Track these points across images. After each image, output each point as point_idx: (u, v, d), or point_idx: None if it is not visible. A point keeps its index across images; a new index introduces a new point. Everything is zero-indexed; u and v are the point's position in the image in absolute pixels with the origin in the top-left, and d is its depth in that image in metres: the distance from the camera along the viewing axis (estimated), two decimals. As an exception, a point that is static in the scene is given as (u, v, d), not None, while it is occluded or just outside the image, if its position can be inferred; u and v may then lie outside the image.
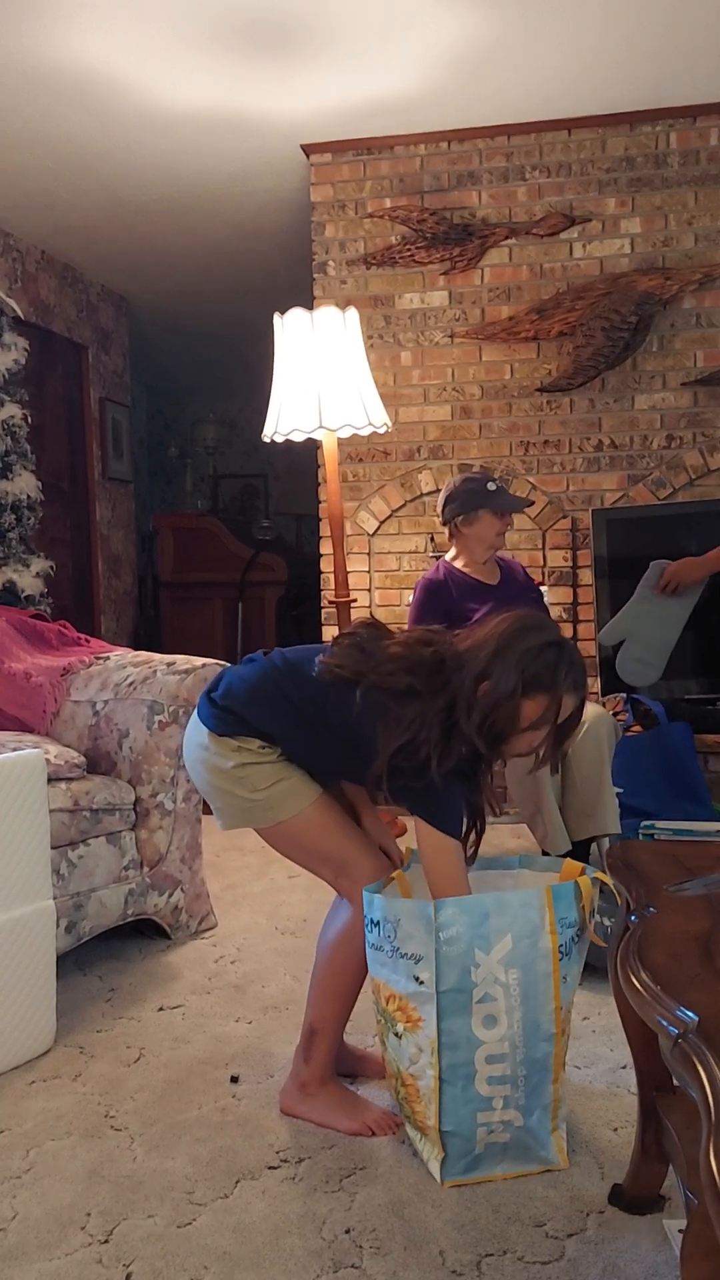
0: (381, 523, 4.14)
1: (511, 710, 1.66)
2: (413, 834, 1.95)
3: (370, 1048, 2.07)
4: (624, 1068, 1.98)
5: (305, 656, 1.84)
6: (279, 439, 3.52)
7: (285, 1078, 1.93)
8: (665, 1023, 1.07)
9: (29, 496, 3.68)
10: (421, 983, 1.62)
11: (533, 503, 3.11)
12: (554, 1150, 1.67)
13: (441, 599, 3.00)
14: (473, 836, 1.80)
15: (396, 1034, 1.67)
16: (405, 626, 2.99)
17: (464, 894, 1.69)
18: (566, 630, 3.86)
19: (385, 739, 1.68)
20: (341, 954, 1.85)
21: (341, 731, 1.77)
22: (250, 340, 6.13)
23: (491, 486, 3.00)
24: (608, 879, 1.77)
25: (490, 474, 3.15)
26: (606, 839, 2.63)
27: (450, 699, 1.68)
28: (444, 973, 1.60)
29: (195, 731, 1.88)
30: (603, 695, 3.27)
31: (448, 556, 3.11)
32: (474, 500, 2.97)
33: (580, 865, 1.82)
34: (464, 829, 1.75)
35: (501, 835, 3.60)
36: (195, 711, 1.90)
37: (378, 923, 1.70)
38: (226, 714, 1.82)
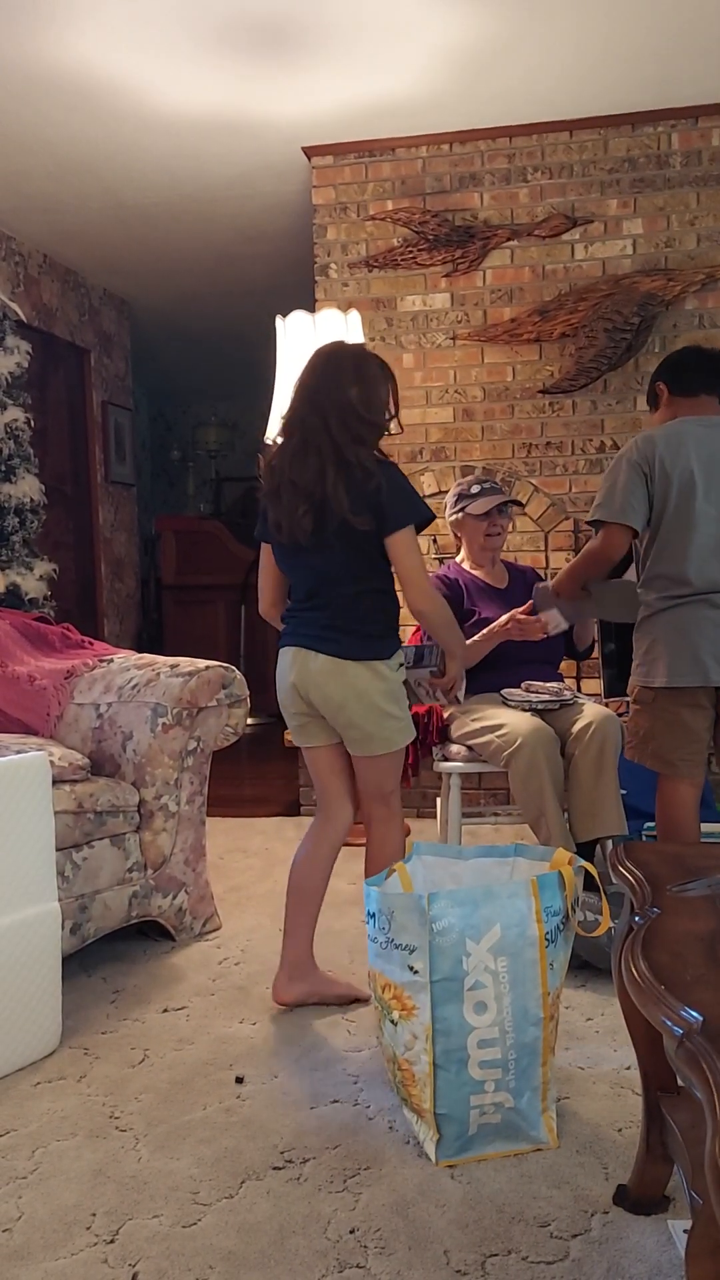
0: (384, 524, 4.14)
1: (383, 398, 2.19)
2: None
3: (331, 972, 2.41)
4: (628, 1068, 1.98)
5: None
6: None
7: (289, 1078, 1.96)
8: (670, 1023, 1.07)
9: (32, 500, 3.69)
10: (415, 972, 1.67)
11: (512, 501, 3.09)
12: (544, 1130, 1.72)
13: (453, 589, 3.01)
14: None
15: (392, 1021, 1.73)
16: (414, 626, 3.00)
17: (430, 584, 2.21)
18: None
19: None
20: (395, 843, 2.30)
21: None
22: (252, 343, 6.14)
23: (475, 489, 3.02)
24: (592, 868, 1.80)
25: (485, 477, 3.15)
26: (610, 840, 2.63)
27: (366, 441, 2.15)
28: (437, 962, 1.66)
29: (351, 670, 2.16)
30: (606, 696, 3.27)
31: (457, 559, 3.17)
32: (457, 503, 3.06)
33: (568, 855, 1.85)
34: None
35: (505, 837, 3.60)
36: (331, 659, 2.17)
37: (374, 915, 1.77)
38: (374, 639, 2.19)
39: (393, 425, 2.27)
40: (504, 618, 2.86)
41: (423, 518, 2.17)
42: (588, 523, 2.50)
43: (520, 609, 2.85)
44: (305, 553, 2.18)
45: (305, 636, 2.22)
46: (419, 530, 2.18)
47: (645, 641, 2.44)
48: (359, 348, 2.29)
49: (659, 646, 2.38)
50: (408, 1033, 1.70)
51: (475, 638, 2.85)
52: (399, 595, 2.24)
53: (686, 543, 2.34)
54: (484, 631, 2.87)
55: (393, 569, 2.20)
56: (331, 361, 2.20)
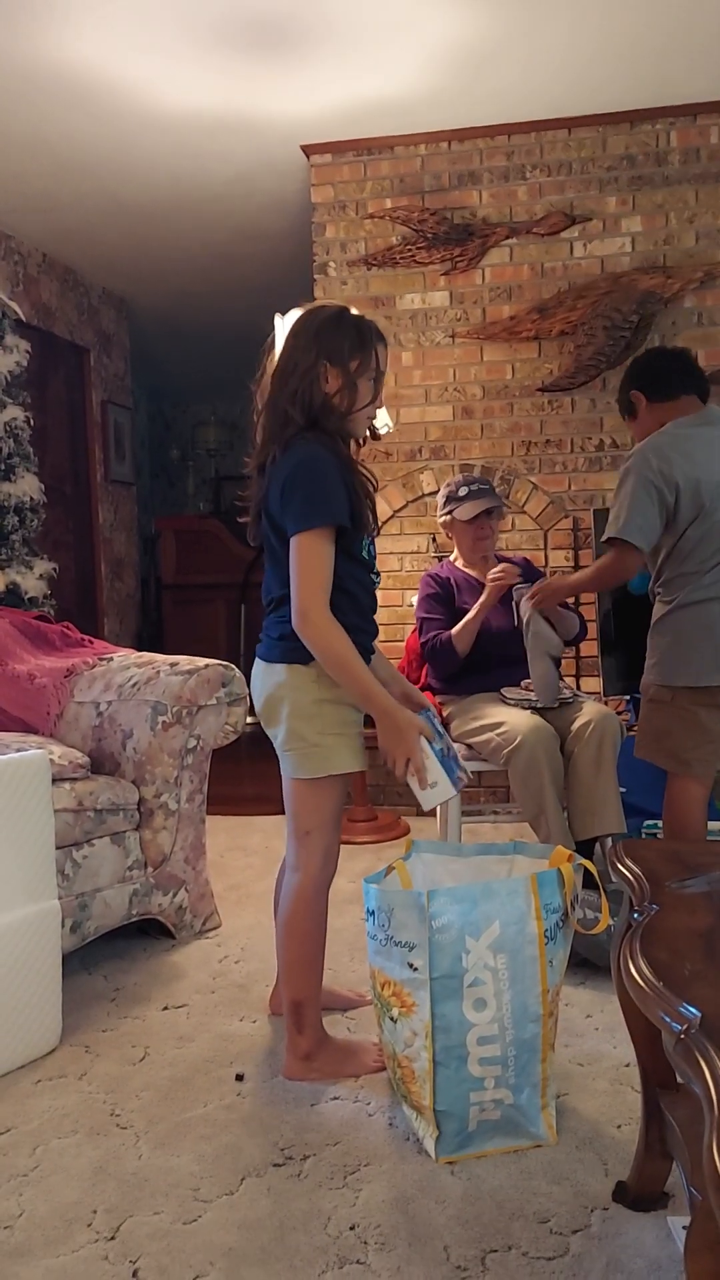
0: (383, 524, 4.15)
1: (349, 377, 1.87)
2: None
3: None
4: (627, 1065, 1.98)
5: None
6: (281, 440, 3.52)
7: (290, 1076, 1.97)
8: (668, 1019, 1.07)
9: (32, 499, 3.70)
10: (415, 969, 1.67)
11: (497, 504, 3.09)
12: (544, 1127, 1.73)
13: (444, 588, 3.02)
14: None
15: (392, 1019, 1.74)
16: (411, 627, 3.01)
17: (322, 600, 1.80)
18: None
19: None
20: (298, 923, 1.96)
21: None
22: (252, 341, 6.10)
23: (463, 492, 3.03)
24: (591, 865, 1.80)
25: (474, 478, 3.15)
26: (610, 838, 2.63)
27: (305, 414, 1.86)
28: (436, 959, 1.66)
29: (266, 677, 1.93)
30: (605, 695, 3.27)
31: (450, 557, 3.18)
32: (446, 504, 3.09)
33: (567, 852, 1.85)
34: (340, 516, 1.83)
35: (505, 835, 3.60)
36: (260, 662, 1.96)
37: (373, 912, 1.76)
38: (295, 639, 1.86)
39: (364, 416, 1.93)
40: (483, 599, 2.91)
41: (314, 524, 1.80)
42: (603, 541, 2.45)
43: (495, 589, 2.89)
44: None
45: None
46: (337, 529, 1.84)
47: (665, 639, 2.42)
48: (338, 308, 1.95)
49: (681, 645, 2.38)
50: (407, 1029, 1.70)
51: (463, 621, 2.92)
52: (354, 597, 1.93)
53: (713, 542, 2.34)
54: (469, 615, 2.93)
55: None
56: (299, 322, 1.93)
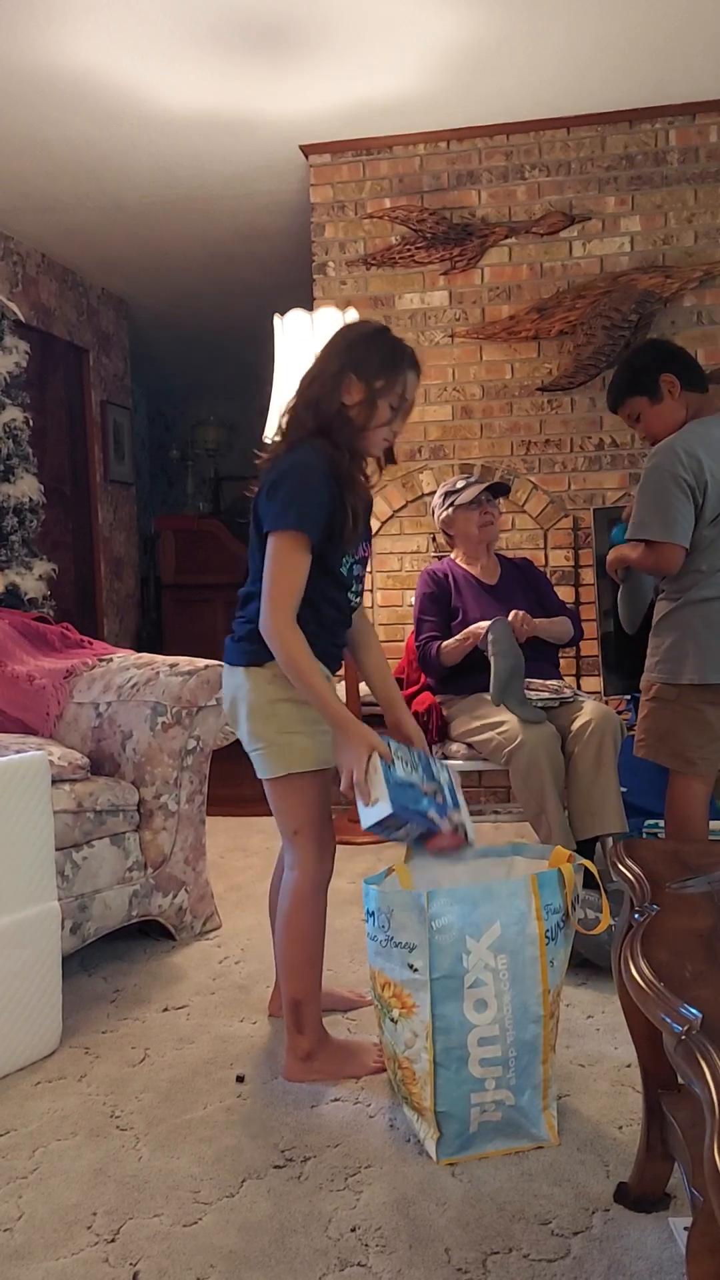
0: (383, 523, 4.15)
1: (370, 394, 1.84)
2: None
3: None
4: (628, 1066, 1.98)
5: None
6: (280, 440, 3.52)
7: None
8: (669, 1020, 1.07)
9: (31, 499, 3.69)
10: (415, 970, 1.67)
11: (499, 483, 3.10)
12: (545, 1128, 1.72)
13: (441, 586, 3.02)
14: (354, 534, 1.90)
15: (392, 1019, 1.73)
16: (410, 625, 3.01)
17: (286, 607, 1.79)
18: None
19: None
20: (296, 922, 1.95)
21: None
22: (251, 342, 6.13)
23: (460, 484, 3.04)
24: (591, 865, 1.80)
25: (469, 475, 3.16)
26: (610, 838, 2.63)
27: (316, 420, 1.86)
28: (437, 960, 1.65)
29: (229, 679, 1.95)
30: (606, 694, 3.27)
31: (451, 555, 3.18)
32: (446, 500, 3.10)
33: (566, 852, 1.85)
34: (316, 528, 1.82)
35: (506, 834, 3.60)
36: (224, 664, 1.98)
37: (373, 913, 1.76)
38: (248, 642, 1.89)
39: (380, 435, 1.90)
40: (471, 630, 2.88)
41: (286, 525, 1.79)
42: (633, 539, 2.42)
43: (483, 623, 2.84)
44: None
45: None
46: (312, 537, 1.81)
47: (669, 638, 2.41)
48: (380, 326, 1.95)
49: (687, 643, 2.37)
50: (408, 1031, 1.70)
51: (456, 639, 2.91)
52: (318, 611, 1.91)
53: None
54: (459, 635, 2.91)
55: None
56: (338, 332, 1.95)
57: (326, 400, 1.86)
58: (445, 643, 2.91)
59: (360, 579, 1.99)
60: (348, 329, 1.97)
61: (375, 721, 2.01)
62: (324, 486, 1.82)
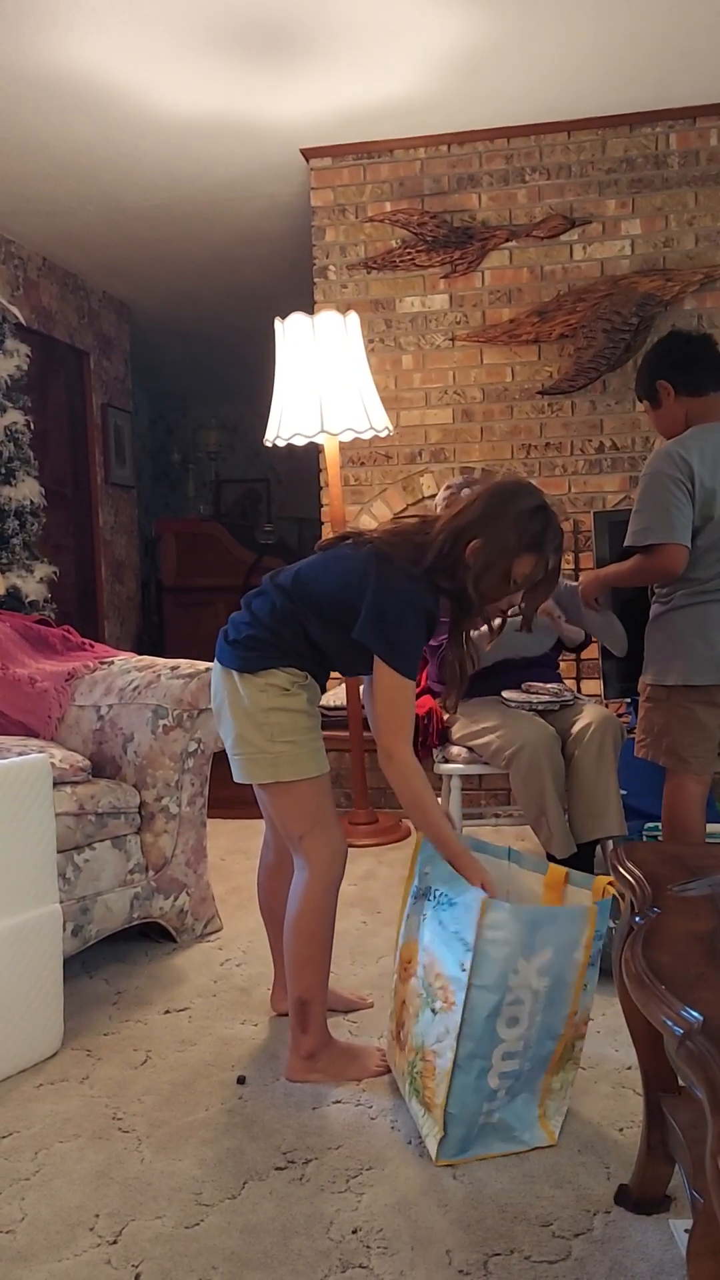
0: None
1: (504, 568, 1.81)
2: (413, 835, 1.96)
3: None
4: (629, 1068, 1.98)
5: (302, 563, 1.97)
6: (281, 443, 3.53)
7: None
8: (670, 1023, 1.07)
9: (32, 502, 3.70)
10: (464, 970, 1.67)
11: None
12: (539, 1133, 1.73)
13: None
14: (453, 691, 1.98)
15: (433, 1010, 1.73)
16: None
17: (405, 741, 1.82)
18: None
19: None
20: (307, 922, 1.95)
21: (330, 604, 1.87)
22: (251, 345, 6.14)
23: (461, 483, 3.06)
24: (614, 889, 1.79)
25: (478, 479, 3.17)
26: (611, 841, 2.63)
27: (433, 561, 1.80)
28: (481, 967, 1.65)
29: (221, 679, 1.95)
30: (606, 697, 3.27)
31: None
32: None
33: (564, 871, 1.86)
34: (420, 673, 1.84)
35: (506, 838, 3.60)
36: (216, 661, 1.98)
37: (453, 903, 1.75)
38: (244, 648, 1.90)
39: (496, 609, 1.90)
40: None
41: (401, 670, 1.81)
42: (634, 545, 2.41)
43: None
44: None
45: None
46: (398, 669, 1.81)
47: (660, 639, 2.44)
48: (536, 501, 1.85)
49: (675, 645, 2.39)
50: (442, 1025, 1.70)
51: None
52: (322, 656, 1.93)
53: (712, 545, 2.34)
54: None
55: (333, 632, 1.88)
56: (514, 497, 1.85)
57: (478, 568, 1.80)
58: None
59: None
60: (526, 497, 1.85)
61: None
62: (424, 632, 1.85)
